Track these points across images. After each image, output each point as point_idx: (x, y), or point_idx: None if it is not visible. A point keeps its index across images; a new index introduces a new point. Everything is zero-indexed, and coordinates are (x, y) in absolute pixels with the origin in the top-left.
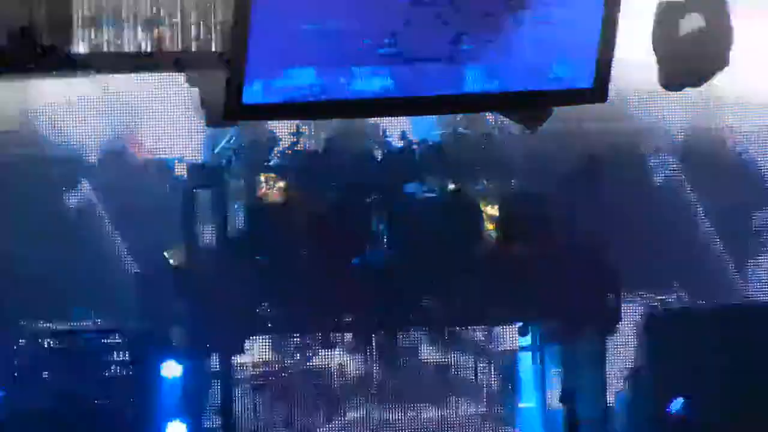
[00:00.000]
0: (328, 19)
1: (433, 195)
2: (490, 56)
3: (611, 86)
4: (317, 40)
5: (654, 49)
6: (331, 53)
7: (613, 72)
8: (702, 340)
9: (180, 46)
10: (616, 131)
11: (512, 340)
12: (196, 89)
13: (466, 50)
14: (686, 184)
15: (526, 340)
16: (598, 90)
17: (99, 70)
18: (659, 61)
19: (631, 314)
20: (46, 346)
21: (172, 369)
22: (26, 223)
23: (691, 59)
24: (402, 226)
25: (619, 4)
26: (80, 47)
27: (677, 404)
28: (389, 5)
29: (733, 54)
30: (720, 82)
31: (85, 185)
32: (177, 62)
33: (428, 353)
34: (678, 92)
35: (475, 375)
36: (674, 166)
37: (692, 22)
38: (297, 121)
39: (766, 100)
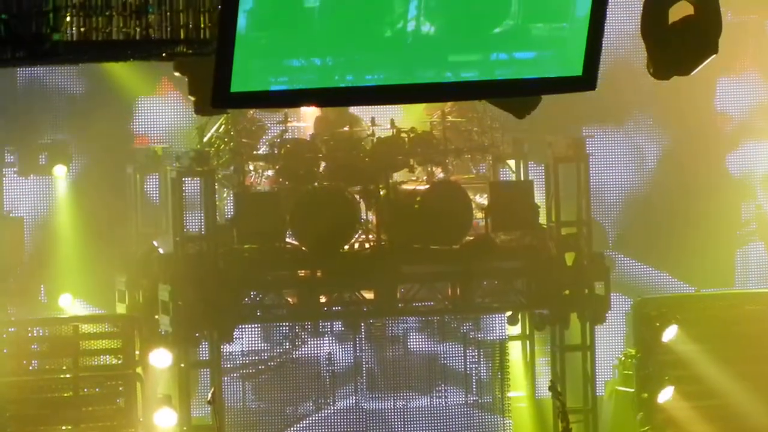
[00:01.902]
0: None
1: (423, 183)
2: (479, 45)
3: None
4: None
5: (643, 37)
6: (325, 40)
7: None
8: (691, 327)
9: (169, 34)
10: (605, 117)
11: (501, 329)
12: (185, 78)
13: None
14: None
15: (515, 329)
16: (588, 78)
17: (88, 59)
18: (648, 49)
19: (620, 302)
20: (34, 334)
21: (160, 357)
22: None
23: (679, 47)
24: (391, 214)
25: None
26: (69, 35)
27: (666, 393)
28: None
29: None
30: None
31: (74, 171)
32: (166, 50)
33: (417, 342)
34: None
35: (465, 364)
36: (664, 150)
37: (681, 10)
38: (285, 110)
39: None
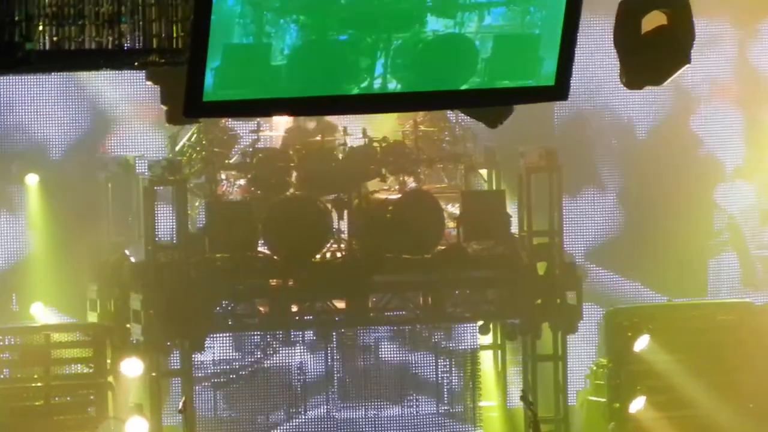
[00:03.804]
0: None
1: (395, 192)
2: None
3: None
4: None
5: (616, 47)
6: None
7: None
8: (663, 337)
9: (142, 44)
10: (579, 127)
11: (473, 339)
12: (158, 87)
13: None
14: (649, 181)
15: (487, 339)
16: (560, 88)
17: (61, 68)
18: (621, 59)
19: (592, 312)
20: (5, 342)
21: (132, 366)
22: None
23: (652, 57)
24: (363, 223)
25: (580, 4)
26: (42, 44)
27: (638, 403)
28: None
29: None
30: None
31: (47, 180)
32: (138, 60)
33: (389, 351)
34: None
35: (436, 373)
36: (636, 162)
37: (654, 20)
38: (258, 119)
39: None
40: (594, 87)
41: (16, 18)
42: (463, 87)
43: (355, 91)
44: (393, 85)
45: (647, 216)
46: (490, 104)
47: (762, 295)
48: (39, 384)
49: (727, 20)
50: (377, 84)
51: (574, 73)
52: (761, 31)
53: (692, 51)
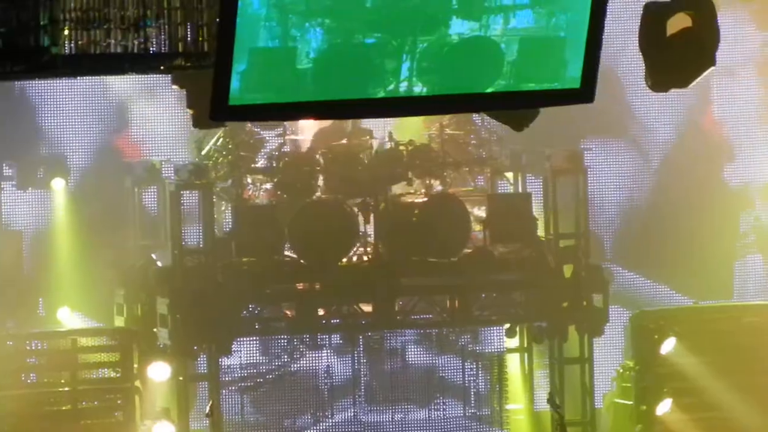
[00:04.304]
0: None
1: (421, 195)
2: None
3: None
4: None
5: (641, 50)
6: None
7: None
8: (690, 340)
9: (167, 48)
10: (604, 131)
11: (499, 342)
12: (184, 91)
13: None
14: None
15: (514, 342)
16: (586, 90)
17: (86, 72)
18: (647, 62)
19: (618, 314)
20: (32, 347)
21: (159, 370)
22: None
23: (677, 60)
24: (389, 227)
25: (605, 6)
26: (67, 49)
27: (665, 405)
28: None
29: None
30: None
31: (73, 185)
32: (164, 63)
33: (416, 355)
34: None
35: (463, 376)
36: (662, 162)
37: (679, 23)
38: (284, 123)
39: None
40: (620, 90)
41: (42, 22)
42: (489, 90)
43: (381, 94)
44: (419, 89)
45: (673, 218)
46: (516, 107)
47: None
48: (66, 389)
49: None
50: (403, 87)
51: (599, 75)
52: None
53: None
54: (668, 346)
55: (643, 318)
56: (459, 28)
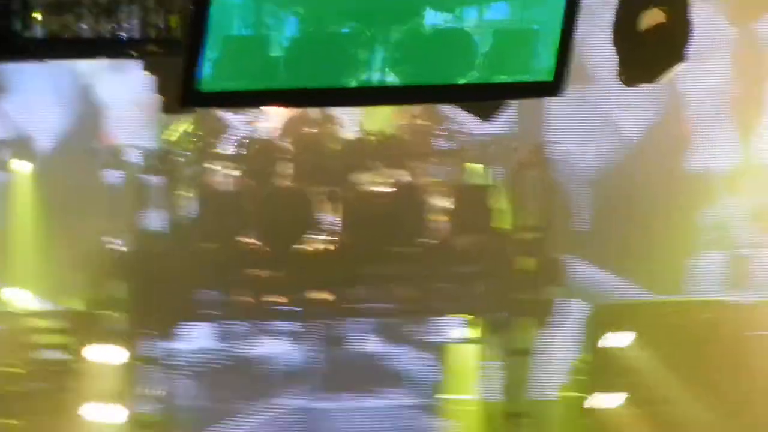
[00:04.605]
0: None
1: (388, 185)
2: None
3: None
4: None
5: (614, 44)
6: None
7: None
8: (647, 334)
9: (139, 34)
10: (570, 123)
11: (456, 333)
12: (154, 76)
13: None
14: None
15: (468, 332)
16: (557, 84)
17: (57, 57)
18: (619, 56)
19: (573, 307)
20: None
21: (112, 353)
22: None
23: (649, 55)
24: (354, 216)
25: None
26: (38, 33)
27: (618, 399)
28: None
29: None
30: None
31: (37, 169)
32: (136, 49)
33: (373, 344)
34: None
35: (415, 366)
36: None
37: (653, 17)
38: (253, 110)
39: None
40: (588, 83)
41: (12, 7)
42: (461, 81)
43: (353, 83)
44: (391, 79)
45: (635, 213)
46: (488, 99)
47: (748, 294)
48: (17, 370)
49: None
50: (376, 77)
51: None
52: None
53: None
54: (625, 339)
55: (602, 312)
56: (433, 19)
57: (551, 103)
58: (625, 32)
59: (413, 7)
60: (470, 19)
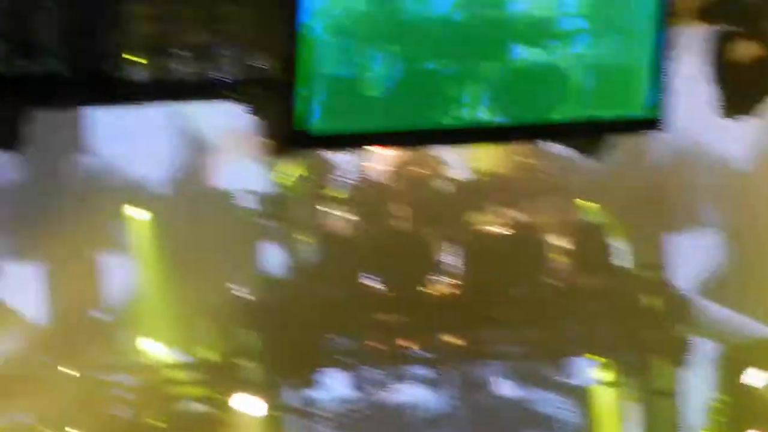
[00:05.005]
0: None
1: (500, 225)
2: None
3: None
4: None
5: (712, 78)
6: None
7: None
8: None
9: (240, 75)
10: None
11: (588, 374)
12: (260, 119)
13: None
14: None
15: (602, 374)
16: (656, 119)
17: (159, 100)
18: (718, 90)
19: (707, 347)
20: (119, 380)
21: (247, 403)
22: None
23: (748, 87)
24: (469, 257)
25: (673, 33)
26: (139, 77)
27: None
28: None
29: None
30: None
31: (153, 216)
32: (238, 91)
33: (504, 387)
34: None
35: (552, 409)
36: (741, 195)
37: (750, 50)
38: (362, 151)
39: None
40: (692, 119)
41: (113, 50)
42: (556, 117)
43: (446, 121)
44: (483, 115)
45: (755, 249)
46: (585, 135)
47: None
48: (158, 423)
49: None
50: (470, 114)
51: (671, 105)
52: None
53: None
54: (759, 378)
55: (730, 350)
56: (524, 54)
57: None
58: (722, 66)
59: (504, 43)
60: (561, 53)
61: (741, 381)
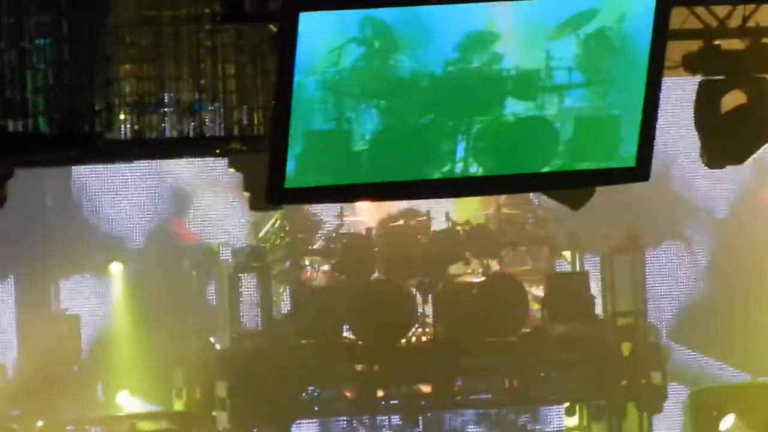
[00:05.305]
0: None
1: (479, 275)
2: (532, 137)
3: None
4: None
5: (696, 127)
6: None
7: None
8: (749, 416)
9: (223, 131)
10: (660, 207)
11: (559, 421)
12: (240, 173)
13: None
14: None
15: (573, 421)
16: (641, 169)
17: (141, 157)
18: (702, 139)
19: (677, 391)
20: None
21: None
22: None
23: (732, 136)
24: (447, 307)
25: (660, 84)
26: (122, 133)
27: None
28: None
29: None
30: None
31: (130, 269)
32: (220, 147)
33: None
34: (721, 169)
35: None
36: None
37: (734, 99)
38: (341, 204)
39: None
40: (675, 167)
41: (96, 108)
42: (545, 169)
43: (437, 175)
44: (474, 169)
45: (728, 294)
46: (572, 187)
47: None
48: None
49: None
50: (458, 168)
51: (654, 153)
52: None
53: None
54: (727, 423)
55: (702, 395)
56: (514, 108)
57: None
58: (706, 115)
59: (495, 97)
60: (551, 106)
61: (713, 426)
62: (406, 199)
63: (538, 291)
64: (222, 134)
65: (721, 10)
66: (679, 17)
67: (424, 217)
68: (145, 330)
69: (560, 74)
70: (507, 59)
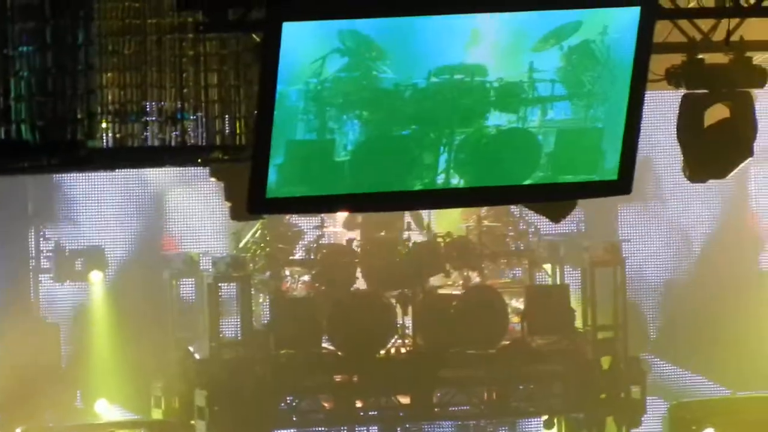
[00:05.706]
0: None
1: (459, 287)
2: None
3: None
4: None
5: (679, 140)
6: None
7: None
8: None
9: (205, 141)
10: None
11: None
12: (221, 183)
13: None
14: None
15: None
16: (623, 182)
17: (123, 165)
18: (684, 152)
19: (656, 405)
20: None
21: None
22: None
23: (715, 151)
24: (427, 318)
25: (643, 97)
26: (104, 142)
27: None
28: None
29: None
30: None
31: (111, 278)
32: (202, 156)
33: None
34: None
35: None
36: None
37: (717, 113)
38: (322, 215)
39: None
40: (657, 180)
41: (79, 116)
42: (527, 182)
43: (418, 186)
44: (456, 181)
45: (709, 310)
46: (554, 199)
47: None
48: None
49: None
50: (440, 179)
51: (636, 166)
52: None
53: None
54: None
55: (681, 409)
56: (497, 120)
57: (620, 201)
58: (690, 129)
59: (477, 109)
60: (533, 119)
61: None
62: (387, 210)
63: (518, 303)
64: (204, 143)
65: (705, 24)
66: (662, 30)
67: (405, 228)
68: (125, 338)
69: (543, 86)
70: (490, 71)
